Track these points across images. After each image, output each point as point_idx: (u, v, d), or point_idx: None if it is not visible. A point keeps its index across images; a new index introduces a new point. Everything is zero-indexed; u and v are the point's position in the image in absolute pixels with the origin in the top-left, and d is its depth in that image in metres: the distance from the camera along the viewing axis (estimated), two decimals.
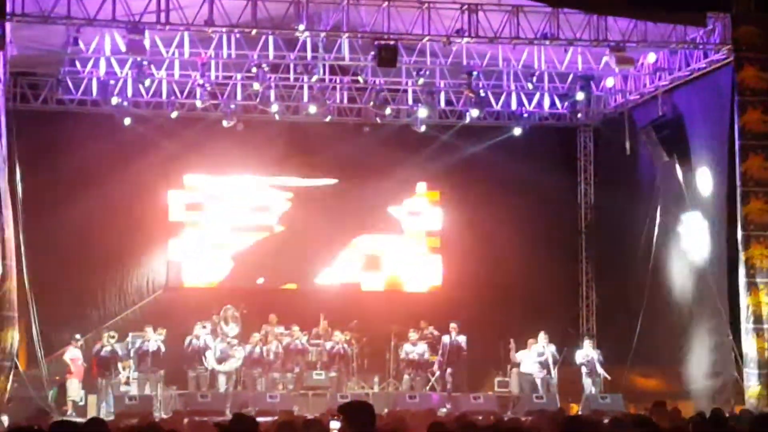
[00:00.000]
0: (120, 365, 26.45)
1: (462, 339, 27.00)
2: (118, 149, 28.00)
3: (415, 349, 27.22)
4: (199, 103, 27.48)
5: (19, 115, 25.54)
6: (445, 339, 27.08)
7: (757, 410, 20.72)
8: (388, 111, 28.75)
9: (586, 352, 27.04)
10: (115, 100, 27.22)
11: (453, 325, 27.06)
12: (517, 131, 29.72)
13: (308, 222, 30.31)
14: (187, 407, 24.15)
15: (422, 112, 28.71)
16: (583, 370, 26.82)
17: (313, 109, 28.11)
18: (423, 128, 29.34)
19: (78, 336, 26.31)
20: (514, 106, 29.22)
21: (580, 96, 27.91)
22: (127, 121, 27.88)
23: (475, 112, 28.37)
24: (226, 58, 26.41)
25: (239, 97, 28.06)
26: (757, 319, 23.24)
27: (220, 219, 30.15)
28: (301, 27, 23.81)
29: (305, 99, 28.42)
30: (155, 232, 29.43)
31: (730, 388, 24.08)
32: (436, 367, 27.28)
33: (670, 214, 26.85)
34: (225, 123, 28.21)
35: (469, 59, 26.95)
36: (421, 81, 27.42)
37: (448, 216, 31.09)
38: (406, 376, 27.22)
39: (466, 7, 23.83)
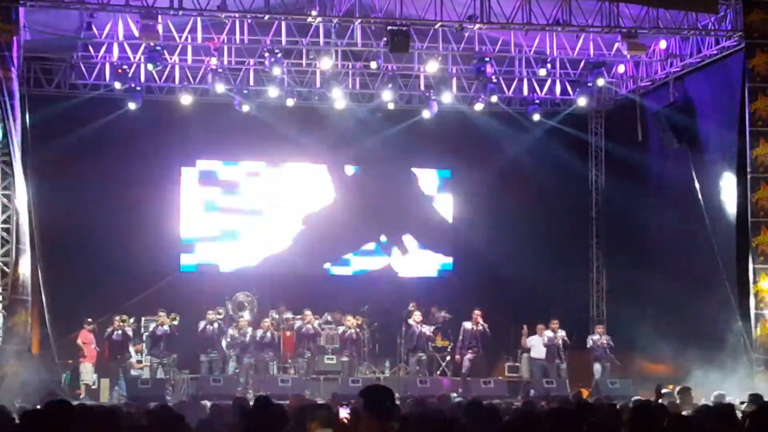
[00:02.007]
0: (132, 349, 26.57)
1: (485, 325, 27.11)
2: (130, 134, 28.12)
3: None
4: (211, 88, 27.54)
5: (33, 100, 25.72)
6: (467, 325, 27.15)
7: None
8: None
9: (596, 338, 27.16)
10: (127, 85, 27.27)
11: (477, 312, 27.12)
12: (529, 117, 29.73)
13: (319, 208, 30.39)
14: (200, 391, 24.27)
15: (434, 98, 28.76)
16: (593, 355, 26.95)
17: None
18: (435, 114, 29.38)
19: (90, 320, 26.38)
20: (525, 92, 29.27)
21: (598, 82, 27.95)
22: (139, 106, 27.95)
23: (492, 99, 28.33)
24: (238, 43, 26.51)
25: (252, 82, 28.12)
26: (767, 305, 23.33)
27: (233, 204, 30.25)
28: (314, 12, 23.88)
29: (318, 84, 28.50)
30: (167, 216, 29.50)
31: (740, 372, 24.12)
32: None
33: (681, 201, 26.90)
34: (237, 108, 28.29)
35: (481, 45, 27.01)
36: (433, 66, 27.44)
37: (459, 201, 31.17)
38: (412, 359, 27.23)
39: None
